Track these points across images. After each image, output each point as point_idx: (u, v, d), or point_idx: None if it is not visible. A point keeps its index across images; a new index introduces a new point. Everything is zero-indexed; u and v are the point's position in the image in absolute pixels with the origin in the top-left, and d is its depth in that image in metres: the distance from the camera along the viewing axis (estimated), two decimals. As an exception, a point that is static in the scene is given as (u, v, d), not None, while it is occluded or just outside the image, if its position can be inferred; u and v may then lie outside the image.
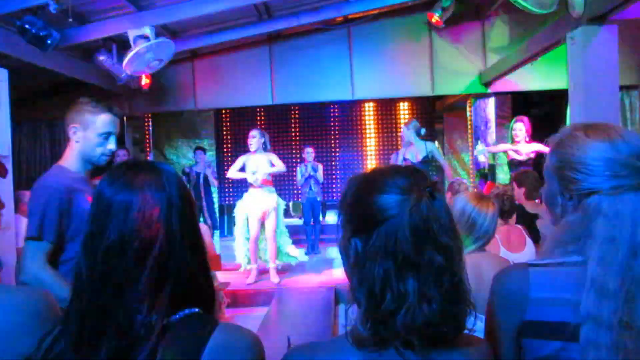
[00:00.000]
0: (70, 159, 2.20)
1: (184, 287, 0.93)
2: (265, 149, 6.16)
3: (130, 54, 5.59)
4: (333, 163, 10.34)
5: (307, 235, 8.01)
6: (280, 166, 6.17)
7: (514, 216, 3.52)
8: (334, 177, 10.38)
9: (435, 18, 6.85)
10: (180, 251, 0.93)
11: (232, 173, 6.29)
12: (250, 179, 6.09)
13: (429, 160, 6.16)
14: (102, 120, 2.18)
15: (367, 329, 0.90)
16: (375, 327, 0.90)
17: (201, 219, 8.07)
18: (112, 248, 0.90)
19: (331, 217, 10.18)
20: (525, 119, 5.81)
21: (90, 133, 2.17)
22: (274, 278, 6.25)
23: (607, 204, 1.05)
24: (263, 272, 6.51)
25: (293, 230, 8.18)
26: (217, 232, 8.64)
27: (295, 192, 8.52)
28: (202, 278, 0.98)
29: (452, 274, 0.91)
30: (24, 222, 4.52)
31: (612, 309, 0.99)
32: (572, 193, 1.11)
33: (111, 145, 2.22)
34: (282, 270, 6.60)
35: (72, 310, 0.92)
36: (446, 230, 0.92)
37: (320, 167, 8.10)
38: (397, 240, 0.90)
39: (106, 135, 2.19)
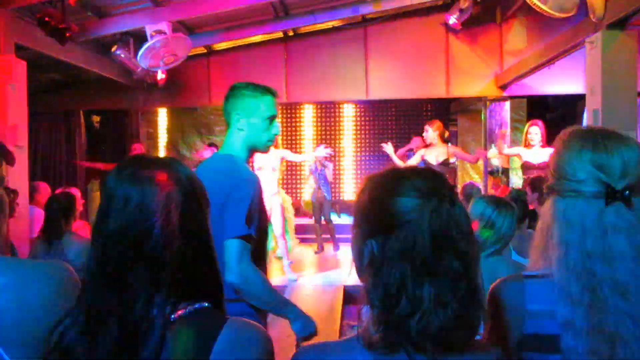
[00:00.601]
0: (237, 148, 2.06)
1: (188, 281, 0.94)
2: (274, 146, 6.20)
3: (144, 47, 5.62)
4: (345, 163, 10.33)
5: (317, 234, 8.01)
6: (299, 157, 6.23)
7: (527, 221, 3.50)
8: (347, 176, 10.37)
9: (453, 20, 6.82)
10: (179, 246, 0.93)
11: None
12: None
13: (447, 163, 6.12)
14: (266, 104, 2.03)
15: (379, 332, 0.89)
16: (388, 330, 0.89)
17: None
18: (110, 238, 0.93)
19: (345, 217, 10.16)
20: (540, 122, 5.75)
21: (255, 119, 2.02)
22: (290, 275, 6.26)
23: (559, 206, 1.06)
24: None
25: (304, 229, 8.21)
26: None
27: (310, 190, 8.48)
28: (208, 273, 0.99)
29: (468, 280, 0.91)
30: (37, 212, 4.58)
31: (582, 315, 0.99)
32: (545, 190, 1.14)
33: (276, 129, 2.07)
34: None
35: (80, 299, 0.94)
36: (465, 236, 0.92)
37: (330, 165, 8.10)
38: (415, 244, 0.89)
39: (271, 119, 2.05)
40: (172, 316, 0.90)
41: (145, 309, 0.89)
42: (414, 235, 0.89)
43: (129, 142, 7.72)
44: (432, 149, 6.18)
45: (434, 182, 0.95)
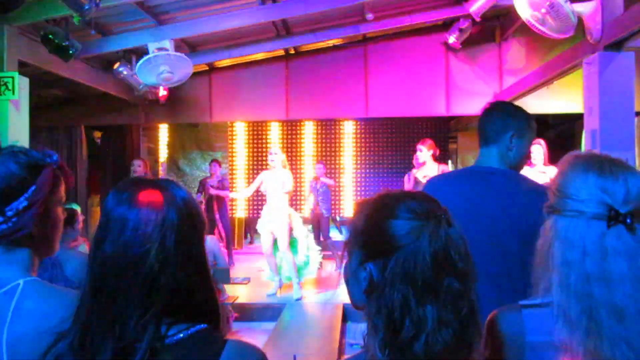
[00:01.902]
0: (499, 165, 2.07)
1: (185, 304, 0.95)
2: (282, 166, 6.24)
3: (144, 58, 5.66)
4: (344, 180, 10.33)
5: None
6: (288, 188, 6.25)
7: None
8: (346, 193, 10.36)
9: (452, 39, 6.89)
10: (175, 268, 0.94)
11: (244, 192, 6.38)
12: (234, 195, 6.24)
13: None
14: (533, 127, 2.08)
15: (385, 354, 0.89)
16: (394, 353, 0.89)
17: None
18: (107, 261, 0.93)
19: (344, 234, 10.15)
20: (543, 141, 5.79)
21: (524, 140, 2.05)
22: (296, 294, 6.23)
23: (561, 226, 1.06)
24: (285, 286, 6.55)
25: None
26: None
27: (308, 207, 8.47)
28: (204, 295, 0.99)
29: (468, 300, 0.92)
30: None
31: (579, 339, 0.99)
32: (544, 211, 1.13)
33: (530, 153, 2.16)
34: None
35: (76, 321, 0.94)
36: (462, 256, 0.93)
37: (331, 181, 8.13)
38: (416, 266, 0.90)
39: (531, 143, 2.10)
40: (172, 338, 0.91)
41: (139, 330, 0.89)
42: (414, 257, 0.90)
43: (130, 158, 7.72)
44: (423, 169, 6.23)
45: (429, 204, 0.96)
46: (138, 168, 6.93)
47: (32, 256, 1.19)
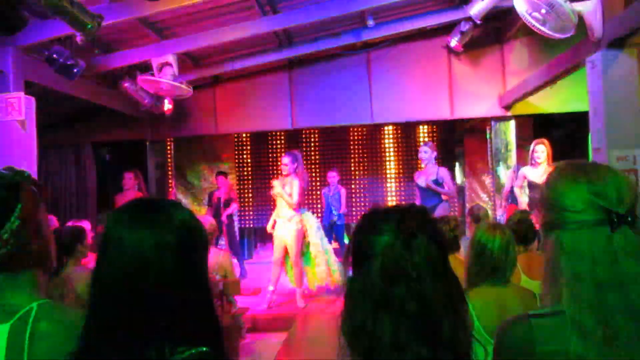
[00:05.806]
0: None
1: (185, 325, 0.94)
2: (295, 172, 6.15)
3: (149, 74, 5.76)
4: (352, 186, 10.33)
5: None
6: (294, 199, 6.09)
7: (536, 242, 3.46)
8: (353, 200, 10.36)
9: (454, 42, 6.88)
10: (175, 290, 0.93)
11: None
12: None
13: (439, 183, 6.10)
14: None
15: None
16: None
17: (223, 243, 8.09)
18: (106, 281, 0.94)
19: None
20: (546, 141, 5.76)
21: None
22: (299, 302, 6.22)
23: (566, 240, 1.06)
24: (287, 295, 6.51)
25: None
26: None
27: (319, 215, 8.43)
28: (206, 317, 0.99)
29: (430, 321, 0.88)
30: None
31: (596, 350, 0.98)
32: (542, 228, 1.13)
33: None
34: (307, 295, 6.56)
35: (81, 342, 0.94)
36: (425, 274, 0.89)
37: (343, 190, 8.11)
38: (371, 281, 0.89)
39: None
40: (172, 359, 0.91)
41: (142, 351, 0.89)
42: (369, 271, 0.90)
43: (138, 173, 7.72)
44: (424, 170, 6.22)
45: (404, 217, 0.94)
46: (129, 181, 6.92)
47: (37, 276, 1.18)
